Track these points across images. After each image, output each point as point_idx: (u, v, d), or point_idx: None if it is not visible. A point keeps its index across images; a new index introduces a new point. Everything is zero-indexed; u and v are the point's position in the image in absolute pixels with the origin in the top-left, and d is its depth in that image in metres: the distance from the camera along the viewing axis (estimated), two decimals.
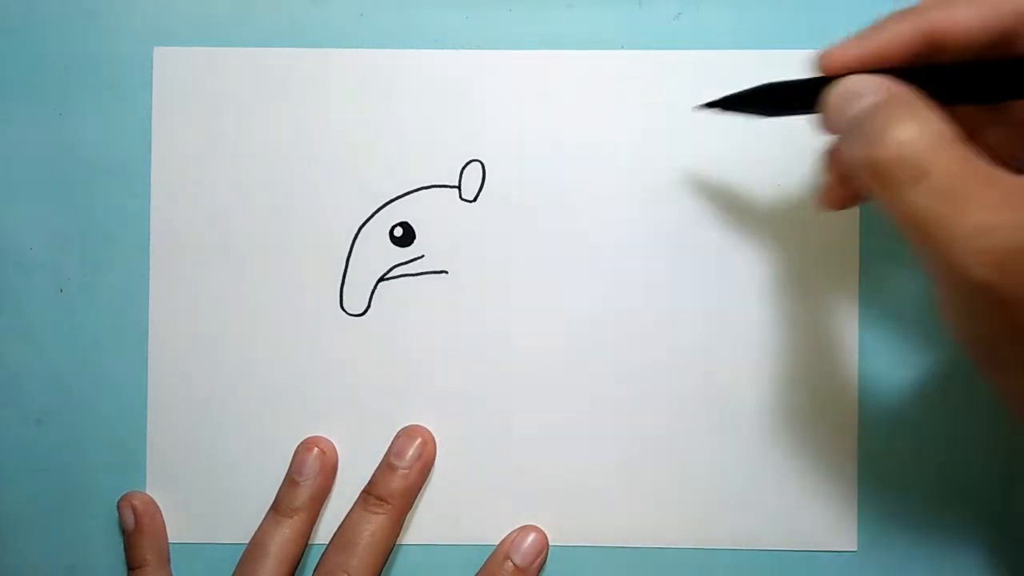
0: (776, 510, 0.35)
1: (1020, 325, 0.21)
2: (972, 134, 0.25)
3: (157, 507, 0.35)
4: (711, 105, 0.30)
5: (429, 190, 0.35)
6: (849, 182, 0.29)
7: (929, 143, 0.21)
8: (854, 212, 0.34)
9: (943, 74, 0.23)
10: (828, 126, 0.25)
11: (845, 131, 0.24)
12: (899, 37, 0.24)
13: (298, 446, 0.35)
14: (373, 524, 0.34)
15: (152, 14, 0.35)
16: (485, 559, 0.35)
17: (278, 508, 0.35)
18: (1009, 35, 0.23)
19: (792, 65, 0.35)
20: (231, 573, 0.35)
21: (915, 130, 0.22)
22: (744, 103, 0.29)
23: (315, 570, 0.34)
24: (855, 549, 0.35)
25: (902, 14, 0.24)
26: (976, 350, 0.24)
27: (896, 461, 0.35)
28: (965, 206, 0.21)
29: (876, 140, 0.22)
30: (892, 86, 0.23)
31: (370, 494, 0.34)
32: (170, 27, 0.35)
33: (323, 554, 0.34)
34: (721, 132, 0.35)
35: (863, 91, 0.23)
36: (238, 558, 0.35)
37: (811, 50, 0.35)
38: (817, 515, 0.35)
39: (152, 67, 0.35)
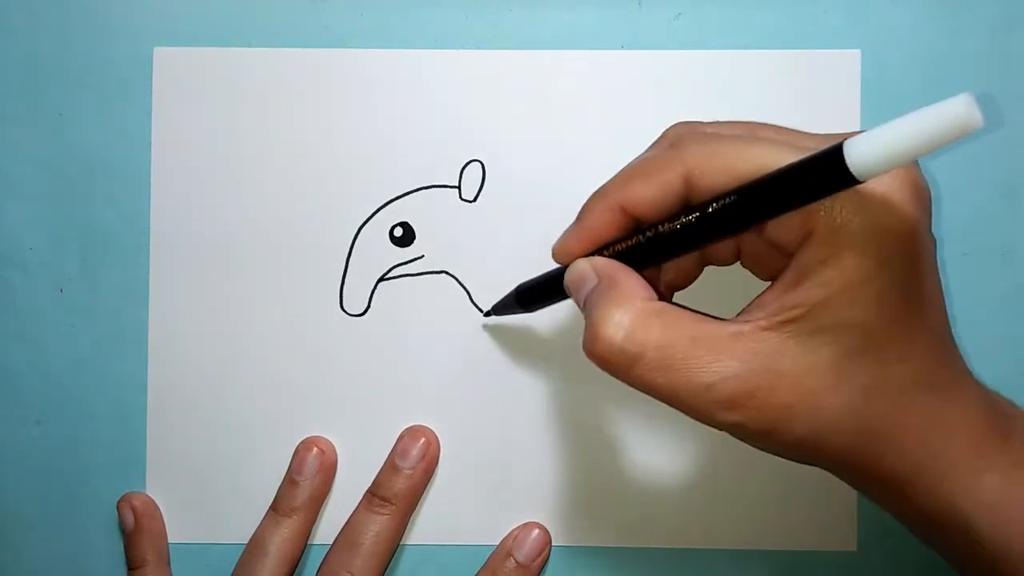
0: (776, 510, 0.35)
1: (781, 442, 0.24)
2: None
3: (157, 507, 0.35)
4: (488, 314, 0.34)
5: (429, 190, 0.35)
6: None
7: (634, 327, 0.24)
8: None
9: (643, 244, 0.26)
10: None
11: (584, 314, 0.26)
12: (600, 219, 0.27)
13: (298, 446, 0.35)
14: (377, 524, 0.34)
15: (152, 14, 0.35)
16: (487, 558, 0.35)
17: (277, 507, 0.35)
18: (685, 197, 0.25)
19: (791, 65, 0.35)
20: (231, 573, 0.35)
21: (620, 320, 0.24)
22: (508, 307, 0.33)
23: (319, 570, 0.34)
24: (855, 549, 0.35)
25: (596, 197, 0.27)
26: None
27: None
28: (691, 371, 0.24)
29: (592, 338, 0.24)
30: (601, 267, 0.26)
31: (374, 495, 0.34)
32: (170, 27, 0.35)
33: (327, 554, 0.34)
34: None
35: (584, 277, 0.26)
36: (238, 558, 0.35)
37: (811, 50, 0.35)
38: (817, 515, 0.35)
39: (152, 67, 0.35)
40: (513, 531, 0.35)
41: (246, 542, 0.35)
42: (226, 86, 0.35)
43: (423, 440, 0.35)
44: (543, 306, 0.32)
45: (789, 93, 0.35)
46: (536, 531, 0.35)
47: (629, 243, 0.26)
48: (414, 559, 0.35)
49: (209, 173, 0.35)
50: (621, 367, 0.24)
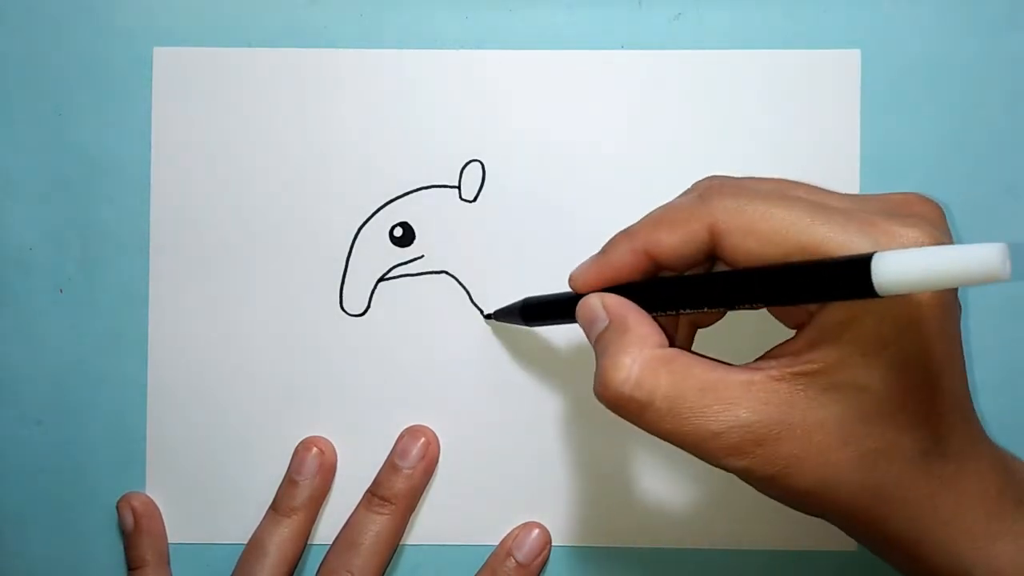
0: (776, 510, 0.35)
1: (787, 489, 0.24)
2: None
3: (156, 507, 0.35)
4: (488, 317, 0.35)
5: (429, 190, 0.35)
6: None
7: (643, 375, 0.24)
8: None
9: (658, 290, 0.26)
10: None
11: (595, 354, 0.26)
12: (623, 259, 0.27)
13: (297, 446, 0.35)
14: (377, 524, 0.34)
15: (152, 14, 0.35)
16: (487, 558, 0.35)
17: (277, 507, 0.35)
18: (709, 249, 0.25)
19: (791, 65, 0.35)
20: (231, 573, 0.35)
21: (630, 368, 0.24)
22: (510, 316, 0.33)
23: (319, 570, 0.34)
24: (855, 549, 0.35)
25: (622, 236, 0.27)
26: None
27: None
28: (699, 419, 0.24)
29: (602, 384, 0.25)
30: (614, 308, 0.26)
31: (374, 494, 0.34)
32: (170, 27, 0.35)
33: (327, 554, 0.34)
34: (720, 132, 0.35)
35: (595, 316, 0.27)
36: (238, 558, 0.35)
37: (811, 50, 0.35)
38: None
39: (152, 67, 0.35)
40: (513, 531, 0.35)
41: (246, 542, 0.35)
42: (226, 86, 0.35)
43: (423, 440, 0.35)
44: (546, 324, 0.32)
45: (789, 93, 0.35)
46: (536, 531, 0.35)
47: (647, 285, 0.27)
48: (414, 559, 0.35)
49: (209, 173, 0.35)
50: (630, 413, 0.25)
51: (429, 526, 0.35)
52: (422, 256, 0.35)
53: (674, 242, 0.25)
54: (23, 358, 0.36)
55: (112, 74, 0.35)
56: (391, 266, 0.35)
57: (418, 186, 0.35)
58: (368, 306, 0.35)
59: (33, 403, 0.36)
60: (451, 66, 0.35)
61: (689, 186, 0.27)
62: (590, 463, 0.35)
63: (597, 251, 0.28)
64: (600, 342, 0.26)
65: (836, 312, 0.23)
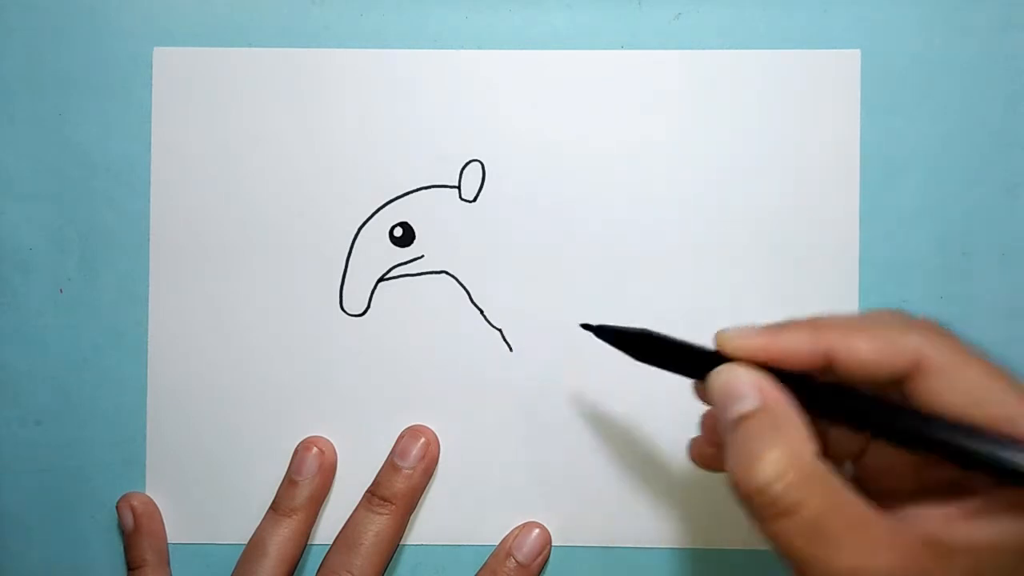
0: None
1: None
2: (854, 450, 0.25)
3: (156, 508, 0.35)
4: (586, 327, 0.29)
5: (429, 190, 0.35)
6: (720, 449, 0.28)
7: (797, 477, 0.22)
8: (854, 217, 0.34)
9: (827, 393, 0.23)
10: (708, 404, 0.26)
11: (723, 428, 0.24)
12: (797, 347, 0.24)
13: (297, 446, 0.35)
14: (377, 524, 0.34)
15: (152, 14, 0.35)
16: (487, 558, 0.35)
17: (277, 508, 0.35)
18: (901, 377, 0.23)
19: (791, 65, 0.35)
20: (231, 573, 0.35)
21: (783, 463, 0.22)
22: (618, 339, 0.28)
23: (319, 570, 0.34)
24: None
25: (806, 324, 0.24)
26: None
27: None
28: (834, 549, 0.21)
29: (746, 467, 0.22)
30: (770, 394, 0.24)
31: (374, 494, 0.34)
32: (170, 27, 0.35)
33: (327, 554, 0.34)
34: (720, 133, 0.35)
35: (743, 392, 0.24)
36: (238, 558, 0.35)
37: (811, 50, 0.35)
38: None
39: (152, 67, 0.35)
40: (513, 531, 0.35)
41: (246, 542, 0.35)
42: (226, 86, 0.35)
43: (423, 440, 0.35)
44: (656, 366, 0.27)
45: (789, 93, 0.35)
46: (536, 531, 0.35)
47: (828, 388, 0.24)
48: (414, 559, 0.35)
49: (209, 173, 0.35)
50: (764, 512, 0.22)
51: (429, 526, 0.35)
52: (422, 256, 0.35)
53: (871, 354, 0.23)
54: (23, 358, 0.36)
55: (112, 74, 0.35)
56: (391, 266, 0.35)
57: (418, 186, 0.35)
58: (368, 306, 0.35)
59: (33, 403, 0.36)
60: (451, 66, 0.35)
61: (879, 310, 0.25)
62: (590, 463, 0.35)
63: (764, 323, 0.25)
64: (745, 425, 0.23)
65: (1011, 498, 0.21)
